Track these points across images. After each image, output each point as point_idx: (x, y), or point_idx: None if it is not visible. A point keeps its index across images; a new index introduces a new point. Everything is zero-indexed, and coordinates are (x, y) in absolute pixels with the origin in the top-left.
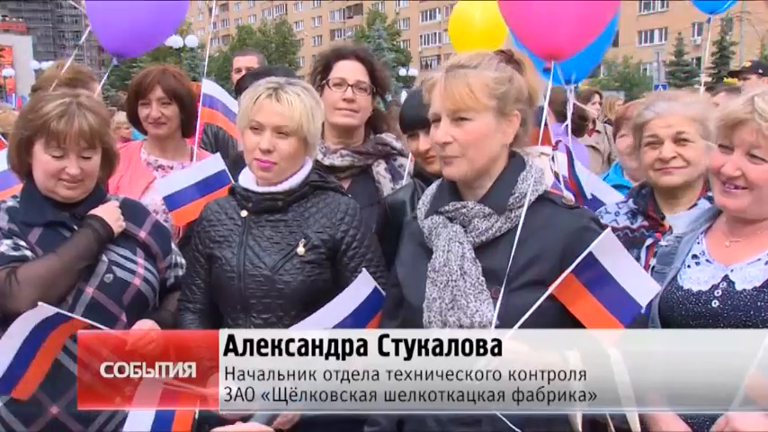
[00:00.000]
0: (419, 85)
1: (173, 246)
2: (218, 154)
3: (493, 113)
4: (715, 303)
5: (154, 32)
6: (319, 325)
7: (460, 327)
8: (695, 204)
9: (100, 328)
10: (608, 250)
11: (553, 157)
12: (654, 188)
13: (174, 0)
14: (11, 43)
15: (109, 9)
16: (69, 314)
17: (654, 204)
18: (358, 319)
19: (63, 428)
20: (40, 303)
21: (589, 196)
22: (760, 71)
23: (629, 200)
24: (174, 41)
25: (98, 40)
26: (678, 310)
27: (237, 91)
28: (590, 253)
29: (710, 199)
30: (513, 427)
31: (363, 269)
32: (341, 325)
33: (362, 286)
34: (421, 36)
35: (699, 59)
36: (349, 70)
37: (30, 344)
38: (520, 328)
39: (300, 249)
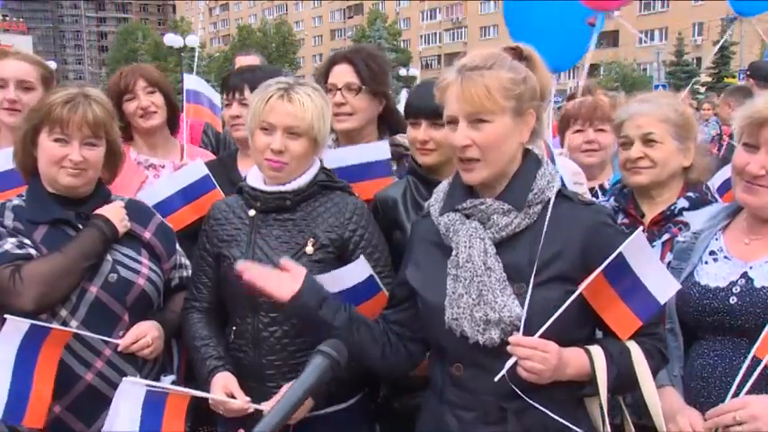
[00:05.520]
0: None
1: (177, 247)
2: (199, 159)
3: (510, 114)
4: (733, 300)
5: None
6: None
7: (487, 322)
8: (675, 204)
9: (90, 336)
10: (637, 250)
11: None
12: (632, 187)
13: None
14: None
15: None
16: (45, 324)
17: (634, 203)
18: (349, 298)
19: (65, 427)
20: (8, 317)
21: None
22: (748, 72)
23: (611, 198)
24: (175, 41)
25: None
26: (694, 306)
27: (223, 87)
28: (620, 253)
29: (690, 199)
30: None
31: (362, 255)
32: (333, 298)
33: (359, 270)
34: (421, 36)
35: (699, 59)
36: (338, 74)
37: (23, 367)
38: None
39: (309, 248)
